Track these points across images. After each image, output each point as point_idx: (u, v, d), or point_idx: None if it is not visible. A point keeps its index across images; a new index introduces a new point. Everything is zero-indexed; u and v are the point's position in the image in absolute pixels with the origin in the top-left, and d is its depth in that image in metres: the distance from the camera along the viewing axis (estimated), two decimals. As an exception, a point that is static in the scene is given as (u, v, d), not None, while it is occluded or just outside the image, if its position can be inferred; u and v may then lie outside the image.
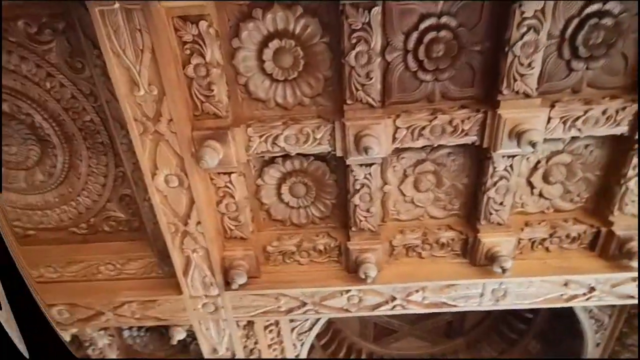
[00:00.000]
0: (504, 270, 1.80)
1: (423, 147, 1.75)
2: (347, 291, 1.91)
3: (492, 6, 1.46)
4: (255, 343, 2.39)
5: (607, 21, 1.50)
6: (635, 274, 1.87)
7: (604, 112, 1.60)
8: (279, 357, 2.58)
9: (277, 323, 2.42)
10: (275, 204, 1.93)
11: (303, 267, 1.98)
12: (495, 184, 1.76)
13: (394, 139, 1.65)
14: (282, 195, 1.89)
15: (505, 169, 1.72)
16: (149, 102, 1.46)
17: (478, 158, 1.77)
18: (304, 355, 2.69)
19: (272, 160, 1.81)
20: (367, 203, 1.81)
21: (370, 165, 1.70)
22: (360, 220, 1.85)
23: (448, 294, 1.94)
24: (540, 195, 1.93)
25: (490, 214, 1.85)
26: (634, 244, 1.83)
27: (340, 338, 3.81)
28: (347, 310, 1.97)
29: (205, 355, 2.14)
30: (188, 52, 1.45)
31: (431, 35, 1.52)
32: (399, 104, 1.66)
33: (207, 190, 1.72)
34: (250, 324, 2.31)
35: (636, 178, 1.76)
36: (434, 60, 1.57)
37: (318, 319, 2.45)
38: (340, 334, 3.81)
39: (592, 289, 1.91)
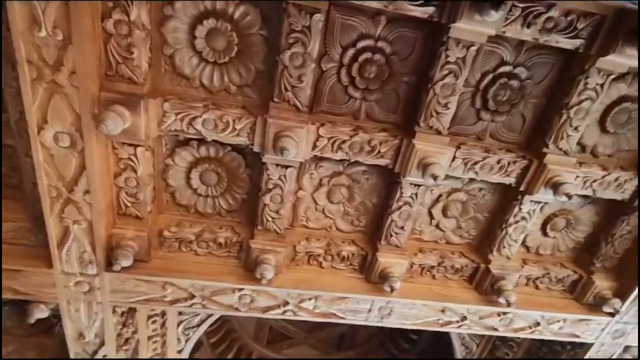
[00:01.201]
0: (392, 290, 1.90)
1: (341, 161, 1.80)
2: (240, 289, 1.87)
3: (424, 44, 1.57)
4: (134, 333, 2.21)
5: (514, 83, 1.69)
6: (500, 309, 2.10)
7: (498, 162, 1.80)
8: (158, 350, 2.43)
9: (163, 314, 2.27)
10: (182, 188, 1.83)
11: (199, 258, 1.89)
12: (399, 208, 1.87)
13: (315, 146, 1.66)
14: (191, 180, 1.80)
15: (411, 196, 1.84)
16: (50, 47, 1.29)
17: (389, 181, 1.87)
18: (187, 350, 2.56)
19: (186, 142, 1.71)
20: (277, 204, 1.79)
21: (287, 167, 1.70)
22: (268, 220, 1.83)
23: (338, 306, 1.99)
24: (437, 226, 2.09)
25: (391, 235, 1.95)
26: (505, 282, 2.06)
27: (232, 338, 3.72)
28: (236, 309, 1.92)
29: (69, 341, 1.92)
30: (111, 4, 1.32)
31: (366, 55, 1.58)
32: (326, 113, 1.68)
33: (105, 158, 1.56)
34: (131, 311, 2.13)
35: (515, 225, 1.99)
36: (366, 80, 1.63)
37: (210, 315, 2.36)
38: (232, 334, 3.72)
39: (464, 318, 2.11)
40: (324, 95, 1.65)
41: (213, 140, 1.66)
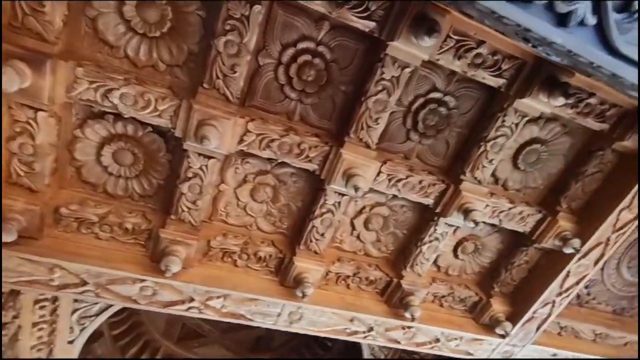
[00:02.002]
0: (304, 295, 1.89)
1: (269, 160, 1.77)
2: (142, 280, 1.74)
3: (364, 57, 1.59)
4: (14, 317, 1.98)
5: (443, 110, 1.78)
6: (405, 323, 2.19)
7: (420, 182, 1.87)
8: (45, 338, 2.19)
9: (54, 300, 2.06)
10: (90, 164, 1.67)
11: (100, 243, 1.74)
12: (322, 215, 1.87)
13: (242, 140, 1.61)
14: (102, 157, 1.65)
15: (334, 204, 1.85)
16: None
17: (315, 187, 1.87)
18: (81, 341, 2.34)
19: (101, 115, 1.57)
20: (195, 195, 1.70)
21: (210, 158, 1.62)
22: (183, 210, 1.73)
23: (248, 307, 1.94)
24: (358, 237, 2.13)
25: (311, 241, 1.95)
26: (413, 298, 2.15)
27: (139, 332, 3.48)
28: (135, 301, 1.79)
29: None
30: (24, -54, 1.17)
31: (306, 57, 1.56)
32: (258, 109, 1.64)
33: (-3, 117, 1.38)
34: (14, 293, 1.91)
35: (429, 245, 2.09)
36: (303, 82, 1.61)
37: (110, 306, 2.18)
38: (139, 328, 3.48)
39: (371, 329, 2.17)
40: (258, 90, 1.60)
41: (132, 118, 1.54)
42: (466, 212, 1.87)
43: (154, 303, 1.82)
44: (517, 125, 1.77)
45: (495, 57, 1.57)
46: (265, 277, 2.01)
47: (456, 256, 2.31)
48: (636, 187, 1.90)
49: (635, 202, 1.97)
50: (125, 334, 3.33)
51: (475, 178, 1.89)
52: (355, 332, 2.15)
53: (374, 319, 2.11)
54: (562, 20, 1.04)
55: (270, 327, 2.07)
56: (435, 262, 2.28)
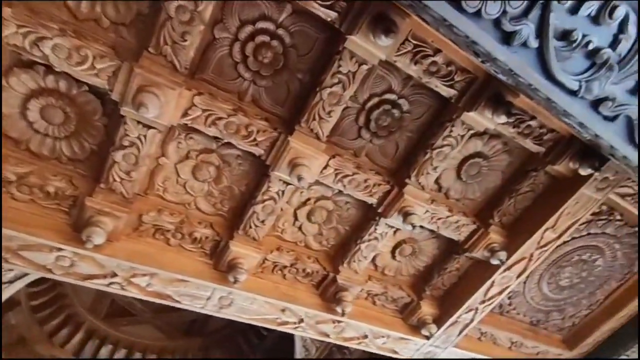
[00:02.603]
0: (236, 281, 1.85)
1: (215, 138, 1.70)
2: (60, 249, 1.62)
3: (324, 47, 1.57)
4: None
5: (396, 112, 1.80)
6: (336, 317, 2.21)
7: (365, 181, 1.89)
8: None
9: (-40, 261, 1.87)
10: (14, 117, 1.52)
11: (17, 204, 1.59)
12: (264, 201, 1.84)
13: (186, 114, 1.53)
14: (28, 111, 1.51)
15: (277, 192, 1.83)
16: None
17: (260, 172, 1.83)
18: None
19: (30, 65, 1.43)
20: (130, 165, 1.61)
21: (150, 128, 1.53)
22: (115, 180, 1.63)
23: (176, 288, 1.87)
24: (300, 228, 2.12)
25: (250, 227, 1.91)
26: (346, 293, 2.18)
27: (62, 305, 3.27)
28: (49, 271, 1.66)
29: None
30: None
31: (264, 38, 1.52)
32: (208, 84, 1.57)
33: None
34: None
35: (368, 243, 2.13)
36: (259, 64, 1.57)
37: (26, 274, 2.01)
38: (63, 300, 3.27)
39: (301, 321, 2.17)
40: (210, 64, 1.53)
41: (66, 74, 1.41)
42: (406, 215, 1.92)
43: (71, 275, 1.70)
44: (462, 137, 1.84)
45: (449, 68, 1.61)
46: (199, 259, 1.95)
47: (394, 257, 2.37)
48: (561, 210, 2.05)
49: (560, 223, 2.12)
50: (45, 305, 3.11)
51: (419, 183, 1.94)
52: (286, 323, 2.15)
53: (305, 310, 2.12)
54: (507, 39, 1.07)
55: (199, 311, 2.02)
56: (373, 260, 2.33)
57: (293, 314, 2.12)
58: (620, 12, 1.07)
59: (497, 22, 1.04)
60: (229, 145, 1.72)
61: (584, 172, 1.88)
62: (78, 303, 3.43)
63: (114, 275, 1.74)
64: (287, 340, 3.39)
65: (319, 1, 1.40)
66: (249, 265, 1.94)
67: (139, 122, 1.50)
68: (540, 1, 1.01)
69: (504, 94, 1.63)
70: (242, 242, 1.92)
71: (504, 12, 1.01)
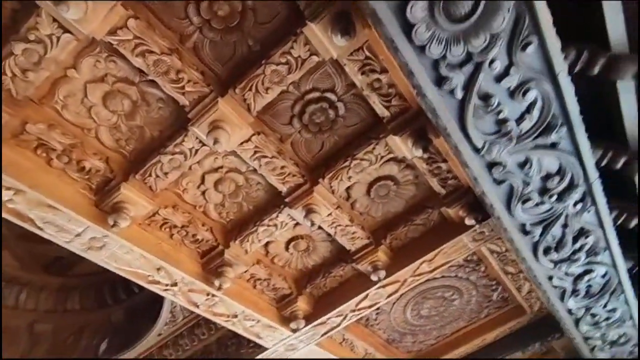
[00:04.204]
0: (114, 225, 1.72)
1: (140, 71, 1.56)
2: None
3: (283, 23, 1.53)
4: None
5: (331, 114, 1.84)
6: (211, 290, 2.18)
7: (282, 168, 1.90)
8: None
9: None
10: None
11: None
12: (174, 153, 1.74)
13: (114, 32, 1.38)
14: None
15: (190, 149, 1.74)
16: None
17: (179, 123, 1.72)
18: None
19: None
20: (30, 64, 1.40)
21: (66, 31, 1.35)
22: (5, 74, 1.40)
23: (43, 214, 1.67)
24: (203, 193, 2.05)
25: (150, 175, 1.79)
26: (229, 269, 2.15)
27: None
28: None
29: None
30: None
31: (226, -11, 1.44)
32: (149, 11, 1.44)
33: None
34: None
35: (266, 228, 2.13)
36: (212, 13, 1.48)
37: None
38: None
39: (175, 284, 2.10)
40: (159, -9, 1.41)
41: None
42: (309, 212, 1.97)
43: None
44: (382, 157, 1.94)
45: (390, 90, 1.70)
46: (81, 190, 1.77)
47: (287, 249, 2.42)
48: (440, 248, 2.29)
49: (436, 259, 2.37)
50: None
51: (331, 187, 2.00)
52: (157, 282, 2.06)
53: (182, 275, 2.05)
54: (439, 81, 1.16)
55: (63, 245, 1.83)
56: (266, 245, 2.35)
57: (168, 275, 2.04)
58: (531, 95, 1.23)
59: (435, 63, 1.12)
60: (154, 84, 1.59)
61: (468, 221, 2.13)
62: None
63: (-31, 177, 1.50)
64: (157, 303, 3.25)
65: (291, -25, 1.38)
66: (136, 213, 1.81)
67: (54, 19, 1.31)
68: (476, 60, 1.12)
69: (428, 131, 1.76)
70: (136, 188, 1.79)
71: (444, 57, 1.10)
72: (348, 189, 2.13)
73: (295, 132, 1.89)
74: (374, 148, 1.90)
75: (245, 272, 2.32)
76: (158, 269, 2.01)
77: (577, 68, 1.70)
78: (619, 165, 1.90)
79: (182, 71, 1.52)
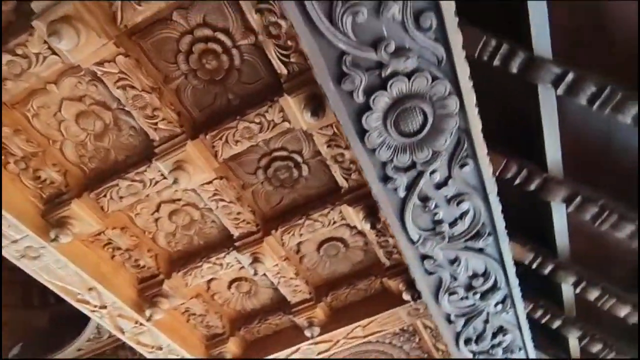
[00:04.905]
0: (55, 239, 1.71)
1: (119, 100, 1.61)
2: None
3: (264, 88, 1.64)
4: None
5: (295, 173, 1.94)
6: (141, 319, 2.14)
7: (238, 214, 1.97)
8: None
9: None
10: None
11: None
12: (133, 181, 1.77)
13: (101, 64, 1.45)
14: None
15: (151, 180, 1.78)
16: None
17: (145, 154, 1.75)
18: None
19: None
20: (11, 74, 1.44)
21: (54, 53, 1.41)
22: (-18, 77, 1.43)
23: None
24: (156, 221, 2.06)
25: (105, 196, 1.80)
26: (164, 300, 2.13)
27: None
28: None
29: None
30: None
31: (217, 47, 1.55)
32: (140, 50, 1.52)
33: None
34: None
35: (212, 265, 2.15)
36: (200, 64, 1.58)
37: None
38: None
39: (104, 307, 2.05)
40: (154, 37, 1.50)
41: None
42: (255, 260, 2.02)
43: None
44: (335, 222, 2.04)
45: (351, 165, 1.83)
46: (31, 198, 1.76)
47: (229, 288, 2.42)
48: (376, 317, 2.36)
49: (370, 326, 2.43)
50: None
51: (282, 240, 2.07)
52: (86, 302, 2.01)
53: (114, 299, 2.01)
54: (384, 179, 1.29)
55: (-3, 248, 1.78)
56: (208, 281, 2.35)
57: (99, 296, 2.00)
58: (464, 206, 1.38)
59: (383, 164, 1.25)
60: (129, 113, 1.65)
61: (405, 296, 2.23)
62: None
63: None
64: (86, 317, 3.11)
65: (280, 50, 1.51)
66: (81, 230, 1.80)
67: (44, 41, 1.37)
68: (419, 168, 1.25)
69: (378, 210, 1.88)
70: (87, 206, 1.79)
71: (392, 161, 1.23)
72: (299, 244, 2.20)
73: (258, 183, 1.97)
74: (329, 212, 2.00)
75: (181, 304, 2.30)
76: (90, 289, 1.97)
77: (516, 182, 1.90)
78: (547, 271, 2.08)
79: (158, 109, 1.59)
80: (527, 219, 2.16)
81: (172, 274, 2.15)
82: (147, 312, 2.06)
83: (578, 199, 1.77)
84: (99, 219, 1.83)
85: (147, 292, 2.13)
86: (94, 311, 2.05)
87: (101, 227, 1.87)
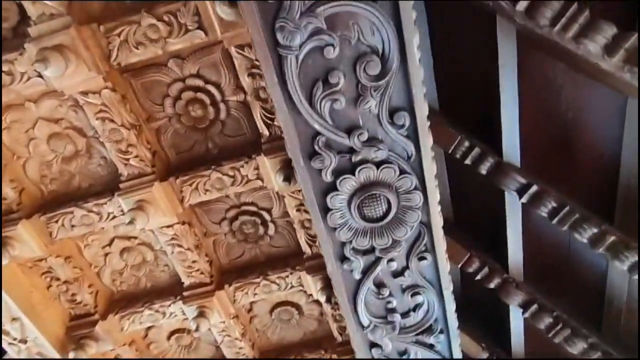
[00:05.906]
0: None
1: (94, 128, 1.59)
2: None
3: (244, 143, 1.66)
4: None
5: (261, 231, 1.91)
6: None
7: (194, 262, 1.87)
8: None
9: None
10: None
11: None
12: (89, 211, 1.70)
13: (86, 94, 1.45)
14: None
15: (109, 214, 1.71)
16: None
17: (109, 187, 1.70)
18: None
19: None
20: (-11, 85, 1.42)
21: (38, 75, 1.41)
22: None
23: None
24: (105, 255, 1.94)
25: (56, 222, 1.71)
26: (92, 344, 1.95)
27: None
28: None
29: None
30: None
31: (205, 99, 1.58)
32: (129, 87, 1.54)
33: None
34: None
35: (152, 313, 2.01)
36: (184, 110, 1.59)
37: None
38: None
39: (24, 341, 1.85)
40: (145, 78, 1.53)
41: None
42: (200, 314, 1.90)
43: None
44: (293, 287, 1.98)
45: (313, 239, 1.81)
46: (-23, 213, 1.66)
47: (169, 339, 2.25)
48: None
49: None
50: None
51: (234, 297, 1.98)
52: (6, 333, 1.82)
53: (37, 335, 1.83)
54: (342, 259, 1.27)
55: None
56: (148, 329, 2.18)
57: (21, 329, 1.81)
58: (419, 299, 1.36)
59: (342, 244, 1.24)
60: (103, 144, 1.63)
61: (352, 379, 2.10)
62: None
63: None
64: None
65: (265, 113, 1.55)
66: (20, 254, 1.68)
67: (33, 64, 1.38)
68: (378, 254, 1.25)
69: (336, 283, 1.84)
70: (34, 229, 1.69)
71: (350, 242, 1.22)
72: (252, 303, 2.10)
73: (222, 234, 1.92)
74: (287, 276, 1.94)
75: (111, 350, 2.11)
76: (14, 319, 1.79)
77: (477, 277, 1.91)
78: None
79: (133, 146, 1.58)
80: (487, 310, 2.15)
81: (109, 315, 1.99)
82: (71, 354, 1.87)
83: (534, 306, 1.77)
84: (43, 245, 1.72)
85: (76, 332, 1.95)
86: (12, 344, 1.85)
87: (44, 253, 1.76)
